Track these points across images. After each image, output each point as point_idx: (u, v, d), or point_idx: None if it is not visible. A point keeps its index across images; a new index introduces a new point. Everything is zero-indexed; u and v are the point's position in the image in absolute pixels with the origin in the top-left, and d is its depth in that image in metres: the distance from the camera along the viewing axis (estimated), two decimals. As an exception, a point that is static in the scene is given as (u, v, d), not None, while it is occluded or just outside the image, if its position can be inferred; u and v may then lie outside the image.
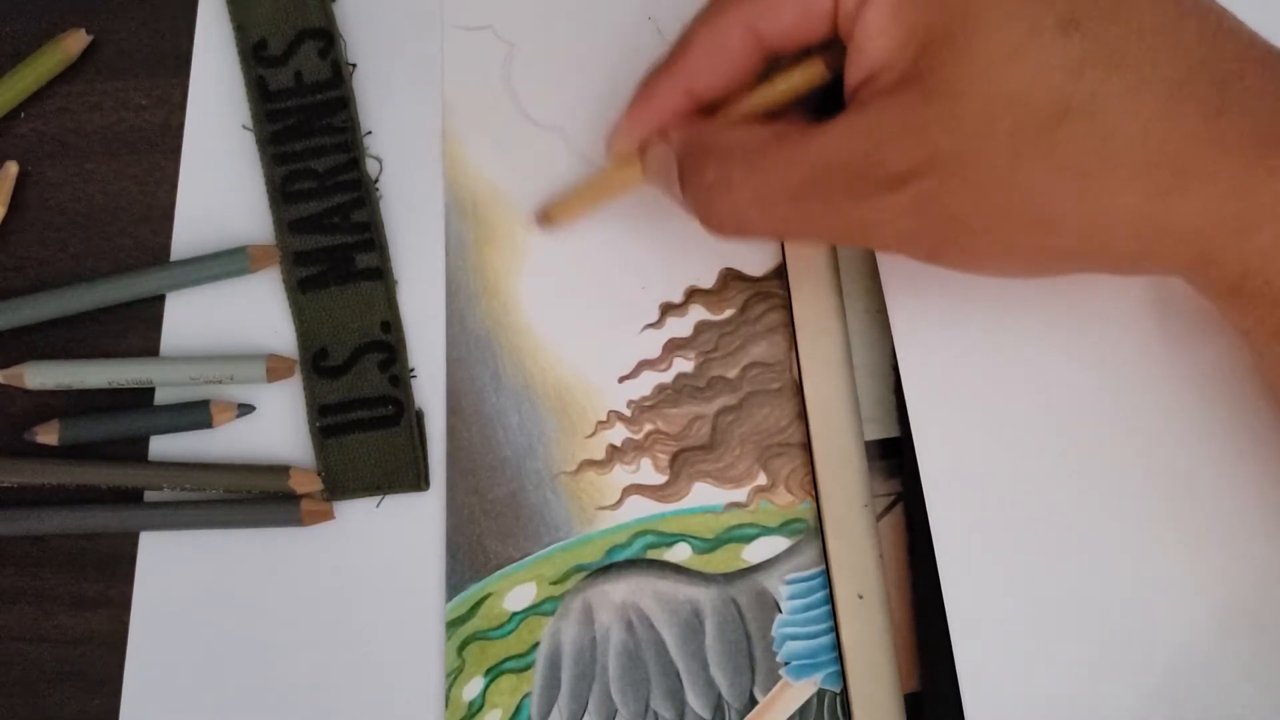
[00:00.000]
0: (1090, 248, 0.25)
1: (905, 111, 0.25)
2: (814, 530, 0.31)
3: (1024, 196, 0.24)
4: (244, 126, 0.36)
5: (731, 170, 0.27)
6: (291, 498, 0.32)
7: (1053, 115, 0.24)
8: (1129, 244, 0.25)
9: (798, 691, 0.30)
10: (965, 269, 0.27)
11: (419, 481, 0.32)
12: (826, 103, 0.28)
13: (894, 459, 0.31)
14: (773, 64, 0.29)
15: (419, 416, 0.33)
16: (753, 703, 0.30)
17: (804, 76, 0.29)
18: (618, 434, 0.33)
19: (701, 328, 0.33)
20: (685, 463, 0.32)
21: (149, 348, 0.35)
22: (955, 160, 0.24)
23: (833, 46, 0.27)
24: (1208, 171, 0.24)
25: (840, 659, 0.30)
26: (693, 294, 0.34)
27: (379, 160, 0.36)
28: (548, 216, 0.34)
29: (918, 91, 0.25)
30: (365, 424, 0.33)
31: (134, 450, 0.34)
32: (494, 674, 0.31)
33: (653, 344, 0.33)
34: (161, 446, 0.34)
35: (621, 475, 0.32)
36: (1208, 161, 0.24)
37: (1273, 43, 0.25)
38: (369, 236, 0.34)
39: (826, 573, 0.31)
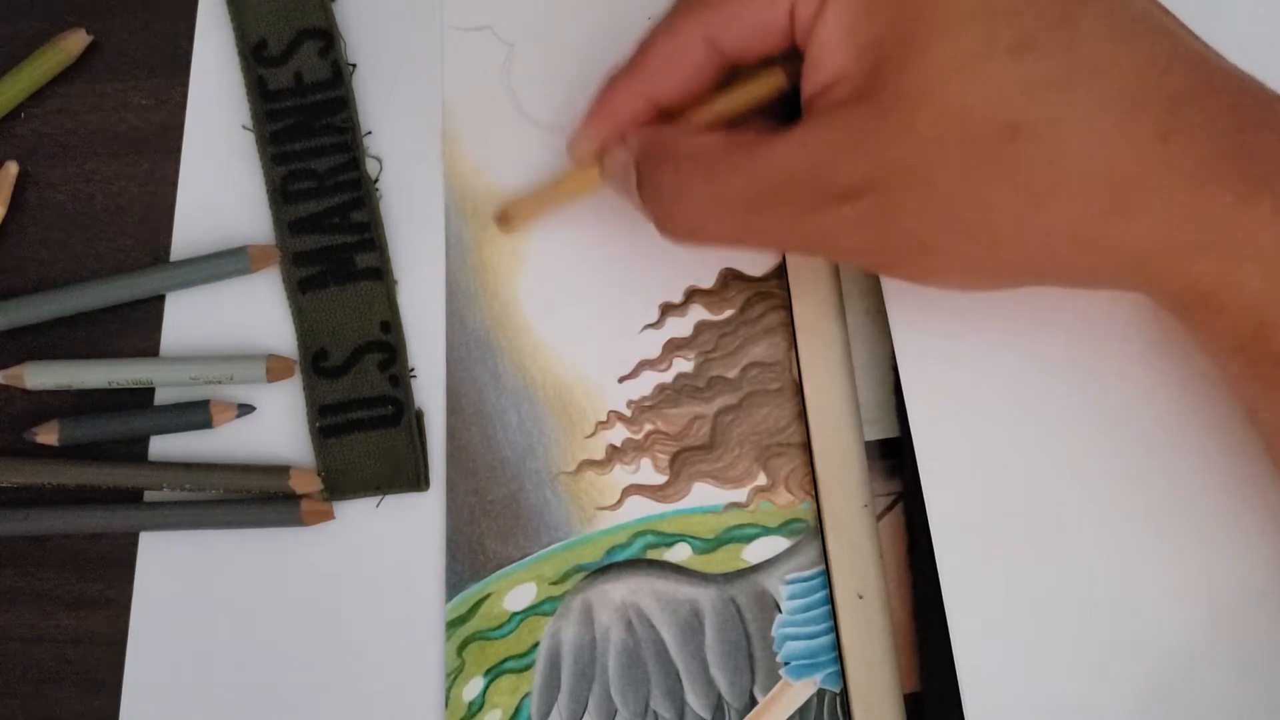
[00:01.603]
0: (1039, 264, 0.26)
1: (858, 125, 0.25)
2: (814, 530, 0.31)
3: (974, 213, 0.25)
4: (244, 126, 0.36)
5: (687, 177, 0.27)
6: (291, 498, 0.32)
7: (1004, 133, 0.24)
8: (1077, 261, 0.25)
9: (798, 691, 0.30)
10: (917, 281, 0.27)
11: (419, 481, 0.32)
12: (792, 111, 0.28)
13: (894, 459, 0.31)
14: (734, 72, 0.29)
15: (419, 416, 0.33)
16: (753, 703, 0.30)
17: (764, 86, 0.29)
18: (618, 434, 0.33)
19: (701, 328, 0.33)
20: (685, 463, 0.32)
21: (149, 348, 0.35)
22: (906, 175, 0.25)
23: (794, 57, 0.28)
24: (1155, 193, 0.24)
25: (840, 659, 0.30)
26: (693, 294, 0.34)
27: (379, 160, 0.36)
28: (506, 218, 0.34)
29: (871, 106, 0.25)
30: (365, 424, 0.33)
31: (134, 450, 0.34)
32: (494, 674, 0.31)
33: (653, 344, 0.33)
34: (161, 446, 0.34)
35: (621, 475, 0.32)
36: (1156, 183, 0.24)
37: (1231, 65, 0.25)
38: (369, 236, 0.34)
39: (826, 573, 0.31)
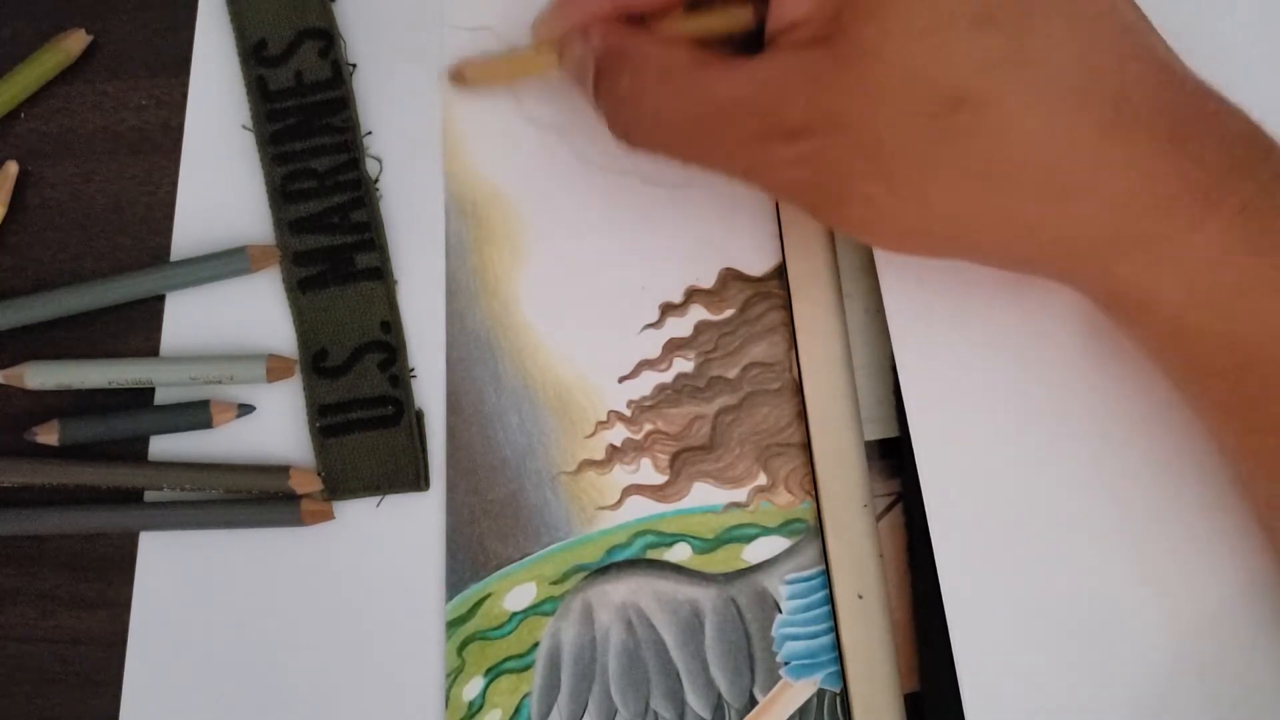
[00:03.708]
0: (967, 238, 0.26)
1: (812, 68, 0.25)
2: (814, 530, 0.31)
3: (909, 176, 0.25)
4: (244, 126, 0.36)
5: (644, 85, 0.28)
6: (291, 498, 0.32)
7: (949, 103, 0.24)
8: (1006, 241, 0.26)
9: (798, 691, 0.30)
10: (845, 232, 0.28)
11: (419, 481, 0.32)
12: (757, 47, 0.28)
13: (894, 459, 0.31)
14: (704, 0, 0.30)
15: (419, 416, 0.33)
16: (753, 703, 0.30)
17: (730, 19, 0.29)
18: (618, 434, 0.33)
19: (701, 328, 0.33)
20: (685, 463, 0.32)
21: (149, 348, 0.35)
22: (849, 127, 0.25)
23: None
24: (1089, 187, 0.24)
25: (840, 659, 0.30)
26: (693, 294, 0.34)
27: (379, 160, 0.36)
28: (462, 75, 0.34)
29: (828, 53, 0.25)
30: (365, 424, 0.33)
31: (134, 450, 0.34)
32: (494, 674, 0.31)
33: (653, 344, 0.33)
34: (161, 446, 0.34)
35: (621, 475, 0.32)
36: (1090, 178, 0.24)
37: (1190, 72, 0.25)
38: (369, 236, 0.34)
39: (826, 573, 0.31)
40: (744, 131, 0.26)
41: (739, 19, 0.29)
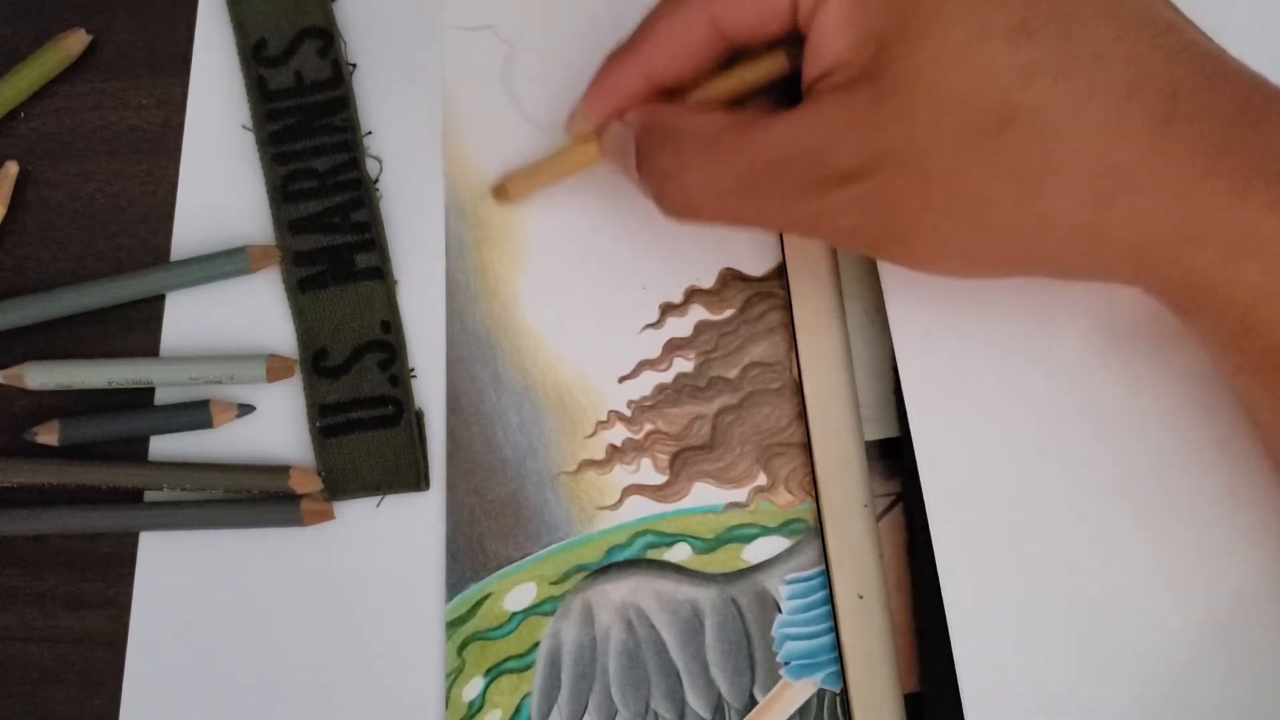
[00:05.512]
0: (1034, 253, 0.26)
1: (857, 108, 0.25)
2: (814, 530, 0.31)
3: (968, 198, 0.25)
4: (244, 126, 0.36)
5: (687, 155, 0.28)
6: (291, 498, 0.32)
7: (998, 120, 0.24)
8: (1072, 251, 0.25)
9: (798, 691, 0.30)
10: (909, 265, 0.27)
11: (419, 481, 0.32)
12: (793, 94, 0.28)
13: (894, 459, 0.31)
14: (736, 54, 0.29)
15: (419, 416, 0.33)
16: (753, 703, 0.30)
17: (765, 69, 0.29)
18: (618, 434, 0.33)
19: (701, 328, 0.33)
20: (685, 463, 0.32)
21: (149, 348, 0.35)
22: (903, 159, 0.25)
23: (795, 41, 0.28)
24: (1151, 182, 0.24)
25: (840, 659, 0.30)
26: (693, 294, 0.34)
27: (379, 160, 0.36)
28: (504, 191, 0.34)
29: (870, 90, 0.25)
30: (365, 424, 0.33)
31: (134, 450, 0.34)
32: (494, 674, 0.31)
33: (653, 344, 0.33)
34: (161, 446, 0.34)
35: (621, 475, 0.32)
36: (1152, 172, 0.24)
37: (1235, 60, 0.25)
38: (369, 236, 0.34)
39: (826, 573, 0.31)
40: (795, 184, 0.26)
41: (774, 66, 0.29)
